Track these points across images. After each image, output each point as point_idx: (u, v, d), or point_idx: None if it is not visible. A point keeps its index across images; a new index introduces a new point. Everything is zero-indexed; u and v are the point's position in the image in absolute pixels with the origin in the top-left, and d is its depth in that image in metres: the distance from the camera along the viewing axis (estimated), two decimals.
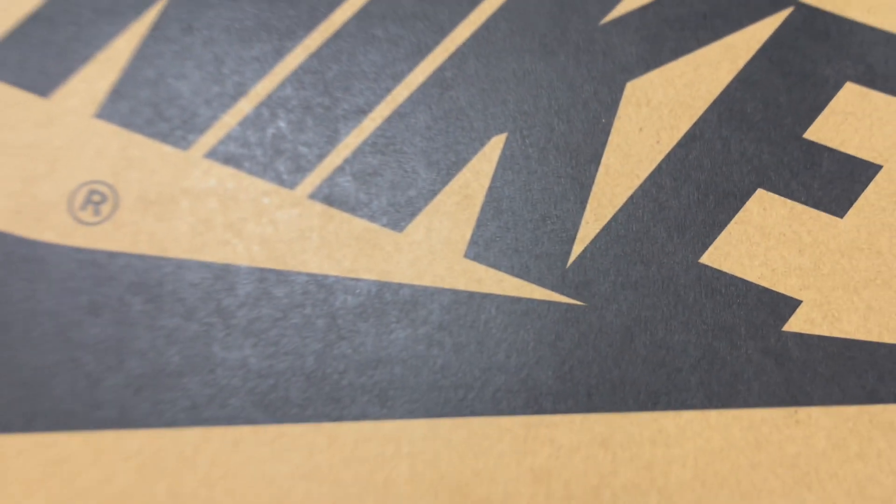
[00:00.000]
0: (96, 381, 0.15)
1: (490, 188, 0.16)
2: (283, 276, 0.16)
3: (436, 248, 0.16)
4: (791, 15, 0.18)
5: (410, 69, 0.17)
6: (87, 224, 0.16)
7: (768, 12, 0.18)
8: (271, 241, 0.16)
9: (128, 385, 0.15)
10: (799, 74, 0.17)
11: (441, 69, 0.17)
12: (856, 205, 0.17)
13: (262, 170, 0.16)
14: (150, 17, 0.17)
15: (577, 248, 0.16)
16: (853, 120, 0.17)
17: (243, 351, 0.15)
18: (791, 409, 0.15)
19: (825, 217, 0.16)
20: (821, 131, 0.17)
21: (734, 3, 0.18)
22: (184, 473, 0.15)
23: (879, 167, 0.17)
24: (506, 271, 0.16)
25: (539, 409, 0.15)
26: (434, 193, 0.16)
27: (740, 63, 0.17)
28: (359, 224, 0.16)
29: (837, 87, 0.17)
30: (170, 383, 0.15)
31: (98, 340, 0.15)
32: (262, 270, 0.16)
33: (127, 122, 0.16)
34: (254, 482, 0.15)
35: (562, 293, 0.16)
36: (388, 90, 0.17)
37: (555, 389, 0.15)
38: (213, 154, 0.16)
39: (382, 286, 0.16)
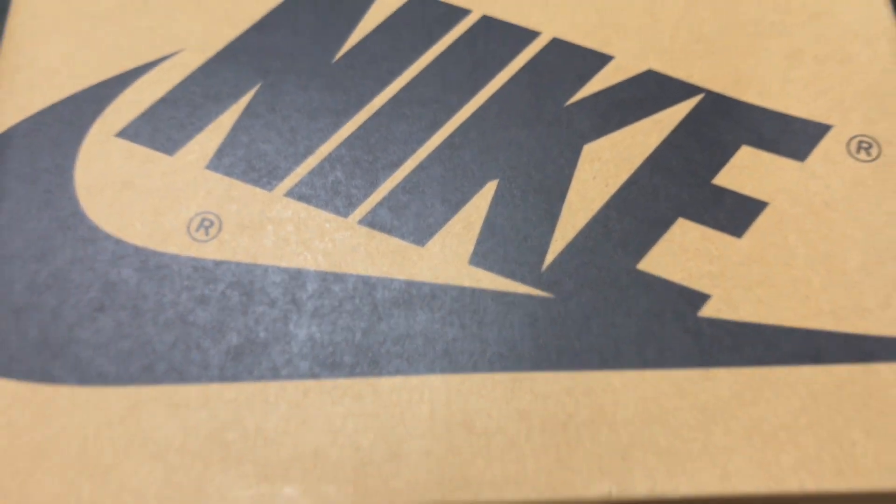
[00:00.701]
0: (205, 350, 0.21)
1: (486, 217, 0.22)
2: (339, 277, 0.21)
3: (448, 258, 0.22)
4: (702, 99, 0.24)
5: (429, 136, 0.23)
6: (200, 241, 0.22)
7: (685, 97, 0.24)
8: (331, 252, 0.22)
9: (227, 353, 0.21)
10: (708, 140, 0.23)
11: (451, 136, 0.23)
12: (749, 229, 0.22)
13: (325, 204, 0.22)
14: (244, 100, 0.24)
15: (549, 259, 0.22)
16: (748, 171, 0.23)
17: (310, 329, 0.21)
18: (704, 370, 0.21)
19: (728, 238, 0.22)
20: (725, 178, 0.23)
21: (661, 90, 0.24)
22: (268, 415, 0.20)
23: (766, 203, 0.23)
24: (498, 273, 0.22)
25: (522, 369, 0.21)
26: (447, 221, 0.22)
27: (665, 133, 0.23)
28: (393, 241, 0.22)
29: (736, 148, 0.23)
30: (258, 351, 0.21)
31: (206, 322, 0.21)
32: (325, 273, 0.22)
33: (229, 172, 0.23)
34: (319, 420, 0.20)
35: (538, 289, 0.21)
36: (414, 150, 0.23)
37: (533, 355, 0.21)
38: (290, 193, 0.22)
39: (410, 284, 0.21)
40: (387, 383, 0.20)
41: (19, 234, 0.22)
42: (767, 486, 0.19)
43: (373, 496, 0.19)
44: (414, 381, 0.20)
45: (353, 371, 0.20)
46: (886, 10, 0.25)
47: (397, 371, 0.20)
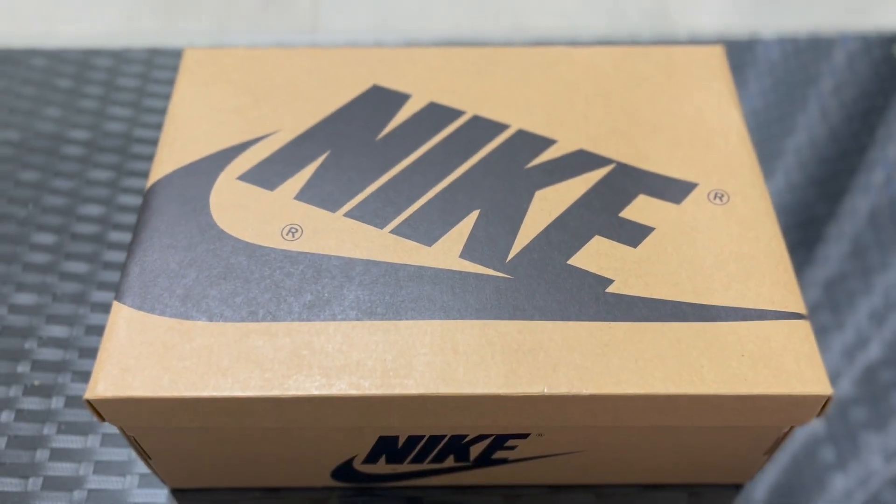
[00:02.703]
0: (290, 303, 0.32)
1: (471, 231, 0.34)
2: (375, 264, 0.33)
3: (446, 253, 0.33)
4: (615, 167, 0.36)
5: (436, 183, 0.35)
6: (288, 241, 0.34)
7: (604, 165, 0.36)
8: (371, 249, 0.33)
9: (304, 305, 0.32)
10: (617, 190, 0.35)
11: (451, 184, 0.35)
12: (642, 243, 0.34)
13: (368, 220, 0.34)
14: (320, 160, 0.36)
15: (510, 255, 0.33)
16: (643, 209, 0.35)
17: (357, 292, 0.32)
18: (607, 323, 0.31)
19: (627, 248, 0.33)
20: (627, 213, 0.34)
21: (588, 161, 0.36)
22: (328, 341, 0.31)
23: (654, 228, 0.34)
24: (477, 263, 0.33)
25: (489, 318, 0.31)
26: (446, 232, 0.34)
27: (589, 185, 0.35)
28: (411, 244, 0.33)
29: (636, 196, 0.35)
30: (323, 304, 0.32)
31: (291, 286, 0.32)
32: (367, 261, 0.33)
33: (308, 201, 0.35)
34: (360, 345, 0.31)
35: (503, 272, 0.33)
36: (427, 191, 0.35)
37: (497, 311, 0.32)
38: (347, 214, 0.34)
39: (421, 268, 0.33)
40: (403, 325, 0.31)
41: (174, 235, 0.34)
42: (645, 389, 0.30)
43: (393, 388, 0.30)
44: (421, 324, 0.31)
45: (382, 317, 0.31)
46: (737, 113, 0.38)
47: (411, 317, 0.31)
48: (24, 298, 0.43)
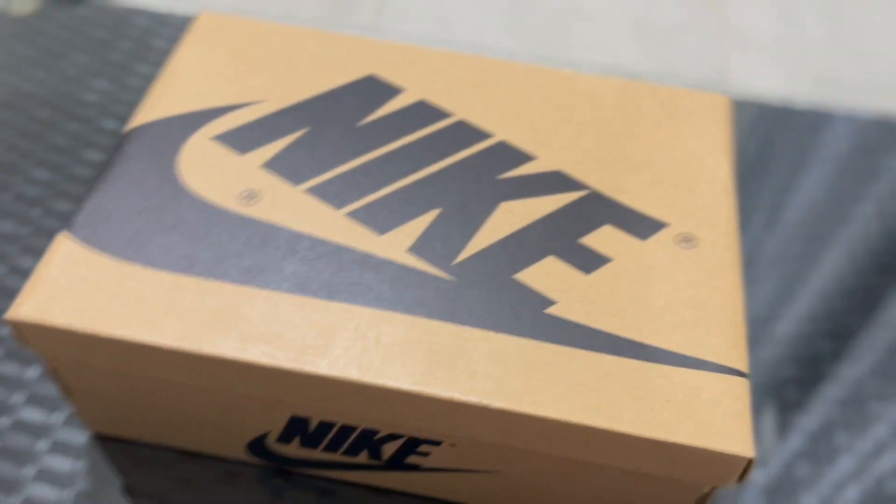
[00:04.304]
0: (229, 264, 0.32)
1: (426, 228, 0.33)
2: (323, 242, 0.32)
3: (394, 245, 0.33)
4: (588, 193, 0.35)
5: (405, 177, 0.35)
6: (244, 205, 0.33)
7: (577, 189, 0.35)
8: (323, 227, 0.33)
9: (242, 269, 0.31)
10: (584, 216, 0.34)
11: (420, 180, 0.35)
12: (595, 271, 0.32)
13: (328, 200, 0.34)
14: (297, 135, 0.36)
15: (459, 259, 0.32)
16: (605, 239, 0.33)
17: (296, 266, 0.32)
18: (537, 342, 0.30)
19: (580, 273, 0.32)
20: (588, 240, 0.33)
21: (562, 184, 0.35)
22: (255, 307, 0.30)
23: (611, 259, 0.33)
24: (423, 259, 0.32)
25: (419, 315, 0.31)
26: (401, 224, 0.33)
27: (557, 206, 0.34)
28: (363, 229, 0.33)
29: (602, 225, 0.34)
30: (259, 271, 0.31)
31: (234, 249, 0.32)
32: (315, 238, 0.32)
33: (274, 171, 0.34)
34: (285, 316, 0.30)
35: (447, 273, 0.32)
36: (394, 182, 0.34)
37: (430, 310, 0.31)
38: (309, 191, 0.34)
39: (366, 255, 0.32)
40: (334, 306, 0.31)
41: (137, 181, 0.34)
42: (558, 414, 0.28)
43: (305, 365, 0.29)
44: (351, 308, 0.31)
45: (315, 294, 0.31)
46: (727, 163, 0.36)
47: (343, 300, 0.31)
48: (4, 226, 0.44)
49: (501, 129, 0.37)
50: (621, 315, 0.31)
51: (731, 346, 0.31)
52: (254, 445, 0.35)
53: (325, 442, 0.33)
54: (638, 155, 0.37)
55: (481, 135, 0.37)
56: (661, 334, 0.31)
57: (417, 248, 0.33)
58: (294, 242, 0.32)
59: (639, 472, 0.30)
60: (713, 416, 0.29)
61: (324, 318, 0.30)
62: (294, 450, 0.34)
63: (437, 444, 0.32)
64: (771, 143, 0.53)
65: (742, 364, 0.30)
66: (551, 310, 0.31)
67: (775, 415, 0.40)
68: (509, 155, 0.36)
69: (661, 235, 0.34)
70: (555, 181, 0.35)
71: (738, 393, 0.29)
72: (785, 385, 0.41)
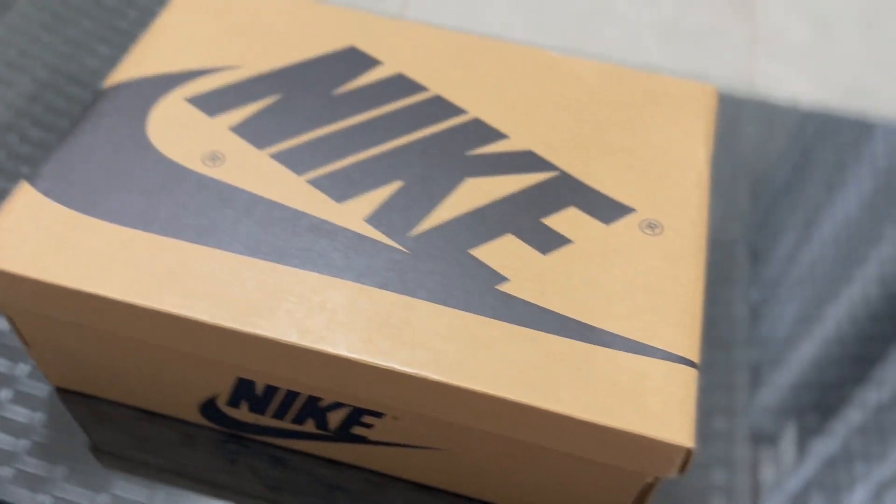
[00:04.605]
0: (186, 221, 0.32)
1: (386, 199, 0.33)
2: (281, 207, 0.32)
3: (352, 214, 0.32)
4: (557, 174, 0.34)
5: (372, 148, 0.34)
6: (208, 167, 0.33)
7: (547, 170, 0.35)
8: (284, 193, 0.33)
9: (196, 228, 0.31)
10: (550, 197, 0.34)
11: (387, 152, 0.34)
12: (553, 252, 0.32)
13: (291, 166, 0.33)
14: (269, 101, 0.36)
15: (415, 232, 0.32)
16: (568, 221, 0.33)
17: (250, 227, 0.32)
18: (484, 318, 0.30)
19: (537, 253, 0.32)
20: (550, 221, 0.33)
21: (532, 164, 0.35)
22: (205, 264, 0.30)
23: (572, 241, 0.32)
24: (379, 230, 0.32)
25: (370, 285, 0.30)
26: (361, 193, 0.33)
27: (524, 186, 0.34)
28: (322, 196, 0.33)
29: (566, 206, 0.33)
30: (211, 231, 0.31)
31: (193, 208, 0.32)
32: (273, 201, 0.32)
33: (242, 135, 0.34)
34: (231, 275, 0.30)
35: (401, 245, 0.32)
36: (360, 152, 0.34)
37: (381, 280, 0.30)
38: (273, 156, 0.34)
39: (323, 221, 0.32)
40: (283, 270, 0.30)
41: (106, 137, 0.34)
42: (496, 391, 0.28)
43: (246, 326, 0.29)
44: (300, 273, 0.30)
45: (266, 257, 0.31)
46: (704, 153, 0.35)
47: (293, 265, 0.31)
48: None
49: (477, 106, 0.37)
50: (574, 297, 0.31)
51: (684, 336, 0.30)
52: (206, 408, 0.35)
53: (273, 408, 0.33)
54: (614, 140, 0.36)
55: (456, 110, 0.36)
56: (614, 318, 0.30)
57: (375, 218, 0.32)
58: (252, 205, 0.32)
59: (581, 457, 0.29)
60: (656, 403, 0.28)
61: (271, 281, 0.30)
62: (244, 415, 0.34)
63: (381, 416, 0.31)
64: (810, 152, 0.51)
65: (693, 354, 0.29)
66: (503, 287, 0.31)
67: (794, 440, 0.39)
68: (482, 132, 0.36)
69: (626, 220, 0.33)
70: (525, 161, 0.35)
71: (684, 382, 0.28)
72: (805, 410, 0.40)
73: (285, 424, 0.34)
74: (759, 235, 0.45)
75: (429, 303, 0.30)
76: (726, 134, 0.50)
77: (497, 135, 0.36)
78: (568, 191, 0.34)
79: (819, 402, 0.39)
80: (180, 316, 0.29)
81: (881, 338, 0.42)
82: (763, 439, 0.38)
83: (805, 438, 0.38)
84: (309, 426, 0.33)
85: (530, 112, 0.37)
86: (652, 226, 0.33)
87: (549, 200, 0.33)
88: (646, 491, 0.31)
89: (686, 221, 0.33)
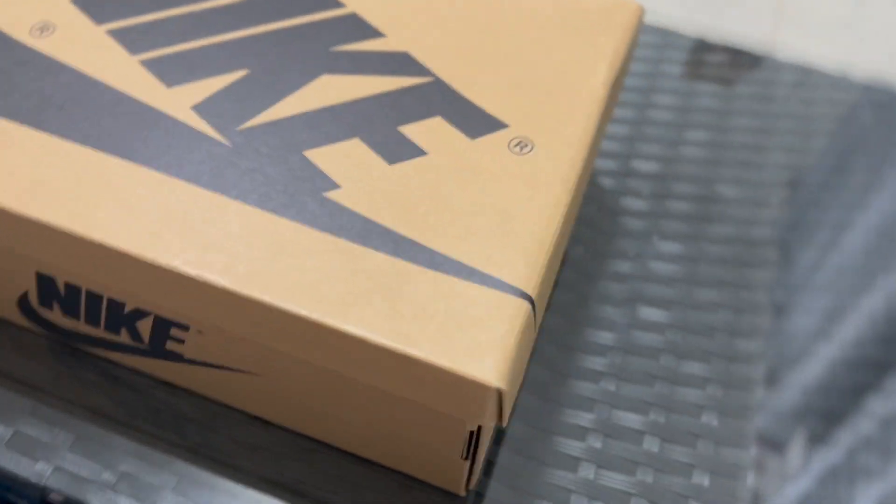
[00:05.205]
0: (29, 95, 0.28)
1: (225, 87, 0.29)
2: (113, 92, 0.29)
3: (179, 101, 0.29)
4: (432, 81, 0.30)
5: (229, 33, 0.31)
6: (35, 37, 0.30)
7: (421, 75, 0.30)
8: (118, 76, 0.29)
9: (39, 104, 0.28)
10: (417, 104, 0.29)
11: (242, 39, 0.31)
12: (401, 163, 0.28)
13: (127, 46, 0.30)
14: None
15: (245, 126, 0.28)
16: (430, 131, 0.29)
17: (64, 107, 0.28)
18: (304, 227, 0.26)
19: (383, 162, 0.28)
20: (409, 130, 0.28)
21: (406, 67, 0.31)
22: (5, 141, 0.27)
23: (426, 153, 0.28)
24: (206, 121, 0.28)
25: (183, 178, 0.27)
26: (197, 80, 0.29)
27: (388, 88, 0.29)
28: (153, 79, 0.29)
29: (432, 116, 0.29)
30: (57, 107, 0.28)
31: (3, 78, 0.29)
32: (87, 75, 0.29)
33: (83, 5, 0.31)
34: (24, 157, 0.27)
35: (227, 139, 0.28)
36: (214, 36, 0.31)
37: (196, 169, 0.27)
38: (112, 32, 0.31)
39: (146, 107, 0.28)
40: (89, 152, 0.27)
41: None
42: (291, 306, 0.24)
43: (29, 209, 0.26)
44: (105, 157, 0.27)
45: (74, 139, 0.27)
46: (606, 72, 0.31)
47: (100, 148, 0.27)
48: None
49: (358, 1, 0.33)
50: (410, 212, 0.26)
51: (524, 265, 0.26)
52: (22, 305, 0.32)
53: (82, 311, 0.30)
54: (507, 51, 0.31)
55: (332, 3, 0.32)
56: (449, 239, 0.26)
57: (204, 107, 0.29)
58: (73, 82, 0.29)
59: (392, 394, 0.26)
60: (471, 335, 0.24)
61: (72, 163, 0.27)
62: (59, 318, 0.31)
63: (187, 329, 0.28)
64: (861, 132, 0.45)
65: (530, 287, 0.25)
66: (332, 194, 0.27)
67: (802, 446, 0.34)
68: (356, 28, 0.32)
69: (495, 136, 0.29)
70: (398, 63, 0.31)
71: (510, 316, 0.24)
72: (815, 415, 0.35)
73: (103, 334, 0.31)
74: (791, 234, 0.40)
75: (240, 203, 0.26)
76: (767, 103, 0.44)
77: (373, 32, 0.31)
78: (438, 99, 0.30)
79: (830, 408, 0.34)
80: None
81: None
82: (770, 444, 0.33)
83: (811, 446, 0.33)
84: (125, 337, 0.30)
85: (417, 13, 0.32)
86: (522, 144, 0.29)
87: (413, 107, 0.29)
88: (473, 441, 0.27)
89: (562, 143, 0.29)
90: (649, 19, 0.50)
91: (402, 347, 0.23)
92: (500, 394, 0.23)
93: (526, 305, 0.25)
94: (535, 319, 0.25)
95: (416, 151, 0.28)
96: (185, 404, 0.32)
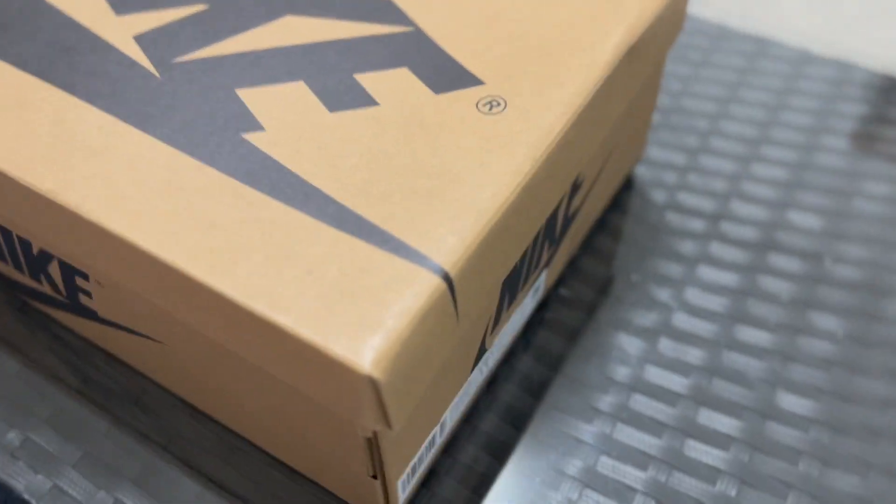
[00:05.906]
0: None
1: (174, 21, 0.26)
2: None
3: (124, 31, 0.26)
4: (409, 31, 0.26)
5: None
6: None
7: (399, 23, 0.26)
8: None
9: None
10: (383, 52, 0.25)
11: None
12: (343, 111, 0.23)
13: None
14: None
15: (183, 59, 0.25)
16: (390, 81, 0.24)
17: (10, 33, 0.26)
18: (213, 171, 0.22)
19: (324, 109, 0.23)
20: (366, 79, 0.24)
21: (383, 13, 0.26)
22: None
23: (375, 104, 0.24)
24: (145, 52, 0.25)
25: (105, 109, 0.24)
26: (145, 11, 0.26)
27: (359, 34, 0.26)
28: (105, 7, 0.27)
29: (398, 66, 0.25)
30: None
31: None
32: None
33: None
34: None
35: (158, 72, 0.25)
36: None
37: (118, 106, 0.24)
38: None
39: (87, 32, 0.26)
40: (21, 76, 0.25)
41: None
42: (168, 256, 0.20)
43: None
44: (33, 81, 0.24)
45: (20, 66, 0.25)
46: (621, 37, 0.25)
47: (30, 71, 0.25)
48: None
49: None
50: (334, 165, 0.22)
51: (454, 238, 0.20)
52: None
53: (6, 253, 0.27)
54: (508, 5, 0.27)
55: None
56: (371, 199, 0.21)
57: (146, 37, 0.26)
58: (24, 8, 0.27)
59: (276, 377, 0.21)
60: (359, 308, 0.19)
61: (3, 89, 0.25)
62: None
63: (87, 278, 0.25)
64: None
65: (451, 264, 0.20)
66: (252, 136, 0.23)
67: None
68: None
69: (463, 93, 0.24)
70: (377, 9, 0.27)
71: (416, 293, 0.19)
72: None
73: (28, 281, 0.28)
74: None
75: (147, 135, 0.23)
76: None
77: None
78: (412, 50, 0.25)
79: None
80: None
81: None
82: None
83: None
84: (47, 287, 0.28)
85: None
86: (493, 104, 0.24)
87: (379, 56, 0.25)
88: (375, 452, 0.22)
89: (540, 105, 0.23)
90: (796, 41, 0.43)
91: (264, 310, 0.19)
92: (375, 385, 0.18)
93: (440, 284, 0.20)
94: (454, 306, 0.20)
95: (365, 100, 0.24)
96: (121, 376, 0.29)
